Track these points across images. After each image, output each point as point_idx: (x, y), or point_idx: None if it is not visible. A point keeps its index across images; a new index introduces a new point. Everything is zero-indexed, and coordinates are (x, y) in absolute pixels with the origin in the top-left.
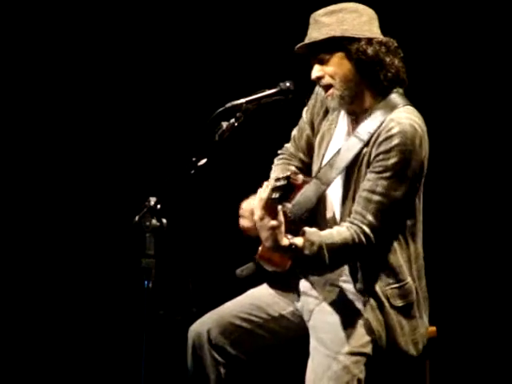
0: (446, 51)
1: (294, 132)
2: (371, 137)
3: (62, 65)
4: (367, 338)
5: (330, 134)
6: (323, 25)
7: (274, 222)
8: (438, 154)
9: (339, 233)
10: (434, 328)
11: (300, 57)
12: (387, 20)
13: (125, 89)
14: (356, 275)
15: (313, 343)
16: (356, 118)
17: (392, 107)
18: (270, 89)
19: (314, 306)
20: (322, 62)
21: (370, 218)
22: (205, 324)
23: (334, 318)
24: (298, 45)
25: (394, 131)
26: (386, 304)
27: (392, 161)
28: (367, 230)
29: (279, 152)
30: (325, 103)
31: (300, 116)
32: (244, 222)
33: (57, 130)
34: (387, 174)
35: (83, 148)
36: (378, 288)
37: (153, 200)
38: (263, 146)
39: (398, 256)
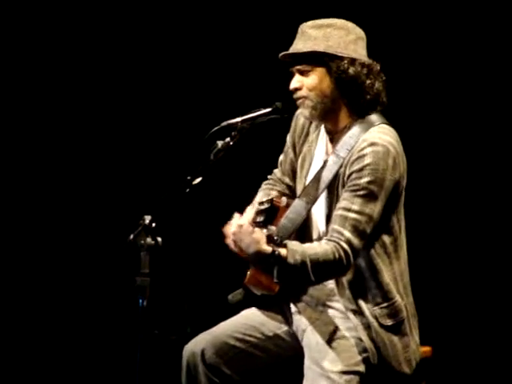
0: (430, 63)
1: (281, 157)
2: (346, 156)
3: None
4: (360, 357)
5: (311, 154)
6: (309, 37)
7: (256, 229)
8: (421, 170)
9: (320, 245)
10: (429, 348)
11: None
12: (373, 38)
13: (120, 107)
14: (346, 296)
15: (306, 362)
16: (333, 136)
17: (368, 126)
18: (265, 108)
19: (307, 326)
20: (303, 74)
21: (347, 234)
22: (199, 344)
23: (326, 338)
24: (282, 53)
25: (366, 151)
26: (376, 324)
27: (365, 179)
28: (345, 246)
29: (268, 177)
30: (305, 126)
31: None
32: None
33: (51, 146)
34: (361, 193)
35: (79, 166)
36: (366, 309)
37: (148, 218)
38: (258, 165)
39: (384, 275)
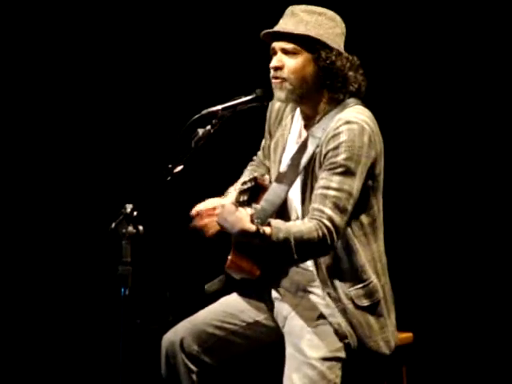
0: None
1: (263, 141)
2: (321, 136)
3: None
4: (340, 343)
5: (284, 139)
6: (301, 20)
7: (239, 208)
8: (405, 157)
9: (304, 223)
10: (410, 334)
11: (263, 46)
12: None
13: (101, 96)
14: (324, 279)
15: (288, 349)
16: (308, 121)
17: (343, 107)
18: (245, 95)
19: (288, 313)
20: (287, 54)
21: (328, 212)
22: (178, 333)
23: (307, 324)
24: (269, 30)
25: (341, 129)
26: (351, 306)
27: (341, 156)
28: (328, 223)
29: (253, 158)
30: (280, 111)
31: None
32: (198, 221)
33: (30, 137)
34: (339, 170)
35: (59, 155)
36: (341, 291)
37: (129, 207)
38: (239, 153)
39: (361, 255)
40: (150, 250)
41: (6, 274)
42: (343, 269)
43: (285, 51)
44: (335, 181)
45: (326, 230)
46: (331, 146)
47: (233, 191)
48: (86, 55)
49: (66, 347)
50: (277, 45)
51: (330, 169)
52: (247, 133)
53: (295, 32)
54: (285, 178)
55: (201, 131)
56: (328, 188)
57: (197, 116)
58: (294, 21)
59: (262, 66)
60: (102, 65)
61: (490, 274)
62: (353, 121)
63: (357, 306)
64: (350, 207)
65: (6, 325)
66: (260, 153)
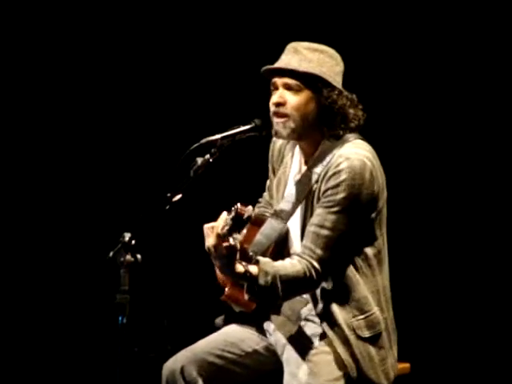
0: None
1: (267, 182)
2: (321, 172)
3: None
4: (339, 373)
5: (285, 176)
6: (304, 58)
7: (225, 251)
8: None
9: (292, 265)
10: (407, 364)
11: (262, 78)
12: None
13: (99, 124)
14: (322, 310)
15: (286, 377)
16: (308, 157)
17: (342, 142)
18: (244, 125)
19: (287, 341)
20: (289, 90)
21: (319, 252)
22: (178, 361)
23: (306, 353)
24: (273, 66)
25: (342, 166)
26: (353, 336)
27: (340, 196)
28: (316, 264)
29: (259, 200)
30: (281, 149)
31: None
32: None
33: (28, 168)
34: (335, 209)
35: (58, 184)
36: (343, 320)
37: (127, 235)
38: (238, 182)
39: (362, 287)
40: (147, 279)
41: (5, 300)
42: (345, 300)
43: (287, 87)
44: (330, 220)
45: (313, 272)
46: (331, 183)
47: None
48: (84, 87)
49: (63, 375)
50: (279, 80)
51: (326, 207)
52: (245, 162)
53: (300, 69)
54: (282, 212)
55: (199, 160)
56: (322, 227)
57: (196, 145)
58: (297, 58)
59: (259, 96)
60: (102, 94)
61: (486, 306)
62: (354, 157)
63: (358, 337)
64: (343, 246)
65: (6, 347)
66: (266, 193)
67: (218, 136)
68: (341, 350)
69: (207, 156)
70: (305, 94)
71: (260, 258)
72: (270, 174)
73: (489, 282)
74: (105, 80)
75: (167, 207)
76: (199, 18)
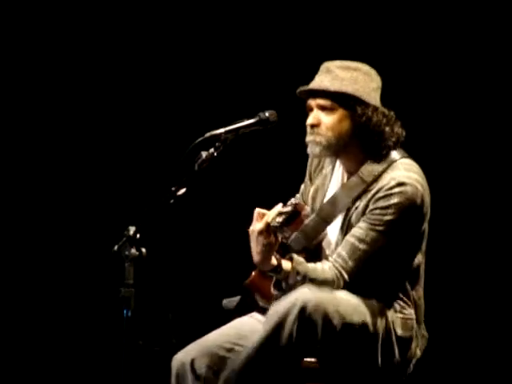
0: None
1: (302, 186)
2: (369, 187)
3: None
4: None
5: (324, 188)
6: (336, 77)
7: (268, 240)
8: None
9: (323, 271)
10: None
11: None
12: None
13: (105, 119)
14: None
15: None
16: (348, 171)
17: (389, 161)
18: (249, 119)
19: None
20: (323, 110)
21: (351, 264)
22: (189, 354)
23: None
24: (305, 87)
25: (394, 190)
26: (391, 326)
27: (388, 217)
28: (346, 276)
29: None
30: (321, 160)
31: (278, 146)
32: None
33: (34, 157)
34: (380, 228)
35: (63, 178)
36: (388, 312)
37: (132, 229)
38: (242, 176)
39: (403, 295)
40: (152, 273)
41: (10, 295)
42: (388, 299)
43: (321, 108)
44: (371, 236)
45: (341, 282)
46: (381, 204)
47: (274, 209)
48: (88, 80)
49: (68, 369)
50: (313, 102)
51: (371, 223)
52: (250, 156)
53: (331, 89)
54: (325, 214)
55: (204, 154)
56: (361, 241)
57: (200, 139)
58: (329, 77)
59: (265, 89)
60: (106, 87)
61: (488, 292)
62: (406, 182)
63: (394, 333)
64: (375, 263)
65: (10, 344)
66: (299, 195)
67: (222, 130)
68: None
69: (211, 150)
70: (339, 114)
71: (294, 256)
72: (307, 179)
73: (492, 277)
74: (109, 74)
75: (172, 201)
76: (207, 10)
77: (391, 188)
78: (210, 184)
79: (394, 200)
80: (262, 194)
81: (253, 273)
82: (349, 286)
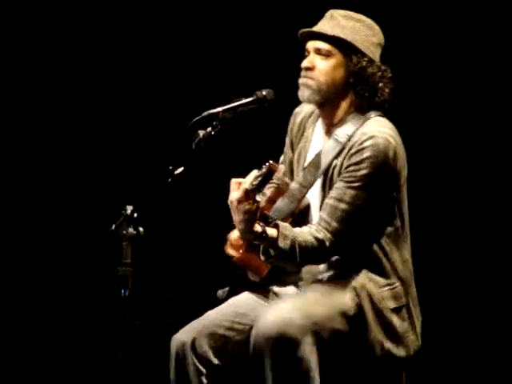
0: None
1: (281, 157)
2: (344, 146)
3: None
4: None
5: (306, 149)
6: (338, 24)
7: (249, 206)
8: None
9: (310, 232)
10: None
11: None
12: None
13: (101, 97)
14: (344, 275)
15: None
16: (328, 128)
17: (365, 118)
18: (246, 97)
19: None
20: (319, 54)
21: (334, 224)
22: (189, 333)
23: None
24: (306, 29)
25: (365, 144)
26: (380, 305)
27: (362, 172)
28: (331, 236)
29: None
30: (302, 123)
31: (278, 124)
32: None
33: (31, 136)
34: (356, 185)
35: (59, 156)
36: (374, 289)
37: (129, 208)
38: (240, 155)
39: (384, 261)
40: (150, 252)
41: (6, 275)
42: (370, 273)
43: (318, 51)
44: (349, 194)
45: (328, 244)
46: (354, 160)
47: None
48: (86, 54)
49: (65, 348)
50: (311, 44)
51: (347, 181)
52: (248, 134)
53: (330, 33)
54: (305, 180)
55: (201, 133)
56: (340, 200)
57: (197, 118)
58: (331, 24)
59: (262, 67)
60: (103, 67)
61: (492, 281)
62: (377, 135)
63: (385, 306)
64: (359, 221)
65: (6, 325)
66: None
67: (219, 109)
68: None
69: (209, 129)
70: (334, 59)
71: (279, 222)
72: (287, 148)
73: (499, 266)
74: (106, 53)
75: (169, 180)
76: None
77: (362, 142)
78: (207, 163)
79: (366, 153)
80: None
81: (240, 250)
82: (336, 248)
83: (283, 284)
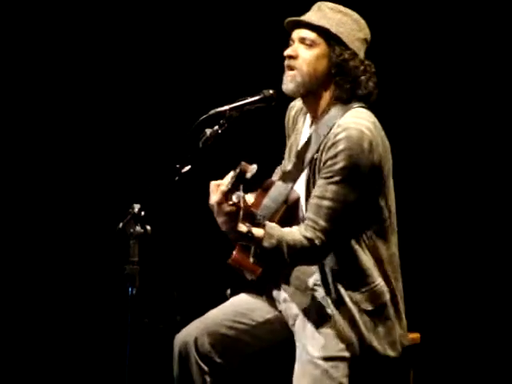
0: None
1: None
2: (325, 138)
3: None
4: (342, 345)
5: (297, 142)
6: (324, 15)
7: (229, 208)
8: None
9: (299, 231)
10: (417, 334)
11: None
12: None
13: (109, 96)
14: (326, 283)
15: (297, 350)
16: (314, 120)
17: (345, 109)
18: (253, 96)
19: (298, 312)
20: (303, 43)
21: (321, 223)
22: (191, 333)
23: (312, 324)
24: (292, 18)
25: (339, 136)
26: (356, 310)
27: (339, 165)
28: (321, 235)
29: (277, 168)
30: (295, 117)
31: (282, 123)
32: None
33: (39, 134)
34: (335, 179)
35: (67, 154)
36: (346, 294)
37: (137, 207)
38: (247, 153)
39: (365, 259)
40: (157, 250)
41: (14, 273)
42: (347, 273)
43: (302, 40)
44: (330, 191)
45: (318, 242)
46: (330, 154)
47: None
48: (91, 52)
49: (73, 346)
50: (296, 33)
51: (326, 177)
52: (254, 133)
53: (316, 23)
54: (289, 175)
55: (208, 131)
56: (323, 198)
57: (204, 116)
58: (318, 15)
59: (269, 66)
60: (110, 64)
61: (498, 274)
62: (351, 127)
63: (362, 310)
64: (345, 216)
65: (12, 324)
66: (283, 161)
67: (226, 107)
68: (343, 324)
69: (216, 127)
70: (317, 50)
71: (267, 223)
72: (287, 141)
73: (502, 254)
74: (112, 53)
75: (176, 178)
76: None
77: (337, 135)
78: (214, 161)
79: (340, 146)
80: (267, 172)
81: (234, 252)
82: (327, 246)
83: (277, 285)
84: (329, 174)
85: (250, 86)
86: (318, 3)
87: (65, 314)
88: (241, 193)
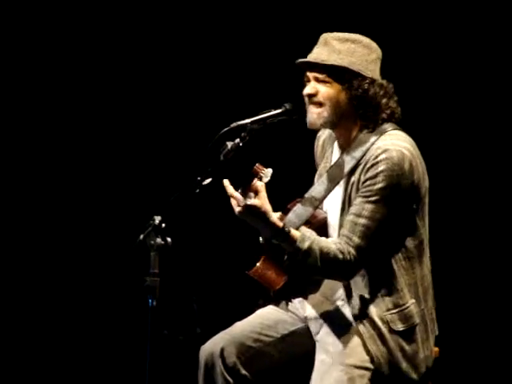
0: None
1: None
2: (359, 161)
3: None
4: (367, 357)
5: (326, 168)
6: (333, 49)
7: (257, 208)
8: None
9: (334, 243)
10: (436, 348)
11: (297, 70)
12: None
13: (132, 107)
14: (351, 301)
15: (320, 356)
16: (344, 147)
17: (380, 132)
18: (275, 109)
19: (325, 319)
20: (319, 82)
21: (356, 240)
22: (217, 344)
23: (341, 333)
24: (302, 60)
25: (380, 157)
26: (386, 329)
27: (378, 186)
28: (354, 252)
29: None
30: (324, 145)
31: (304, 136)
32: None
33: (63, 145)
34: (373, 199)
35: (89, 167)
36: (376, 314)
37: (157, 219)
38: (267, 166)
39: (399, 279)
40: (177, 262)
41: (34, 283)
42: (380, 293)
43: (318, 80)
44: (368, 209)
45: (351, 258)
46: (369, 174)
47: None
48: (113, 64)
49: (93, 357)
50: (310, 74)
51: (364, 196)
52: (275, 146)
53: (327, 62)
54: (318, 192)
55: (229, 144)
56: (359, 216)
57: (226, 129)
58: (326, 50)
59: (290, 80)
60: (131, 78)
61: (490, 292)
62: (391, 149)
63: (392, 330)
64: (380, 235)
65: (32, 333)
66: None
67: (248, 120)
68: (371, 343)
69: (237, 140)
70: (335, 86)
71: (302, 227)
72: (317, 169)
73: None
74: (137, 62)
75: (197, 191)
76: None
77: (377, 156)
78: (235, 174)
79: (381, 167)
80: (287, 184)
81: (257, 263)
82: (359, 263)
83: (304, 294)
84: (367, 194)
85: (271, 99)
86: (324, 36)
87: (86, 325)
88: (251, 194)
